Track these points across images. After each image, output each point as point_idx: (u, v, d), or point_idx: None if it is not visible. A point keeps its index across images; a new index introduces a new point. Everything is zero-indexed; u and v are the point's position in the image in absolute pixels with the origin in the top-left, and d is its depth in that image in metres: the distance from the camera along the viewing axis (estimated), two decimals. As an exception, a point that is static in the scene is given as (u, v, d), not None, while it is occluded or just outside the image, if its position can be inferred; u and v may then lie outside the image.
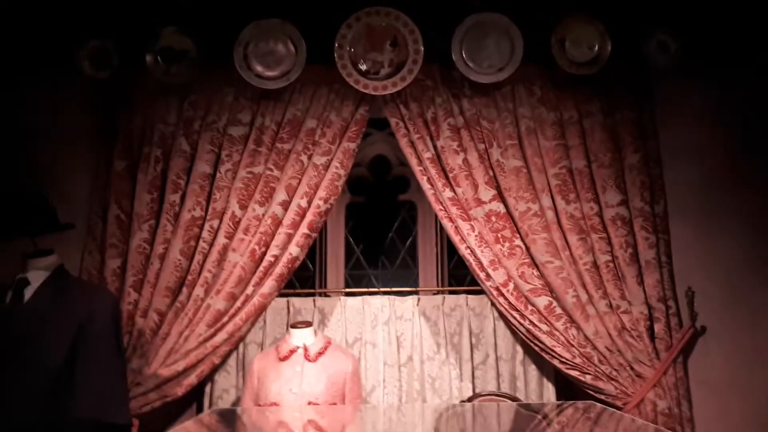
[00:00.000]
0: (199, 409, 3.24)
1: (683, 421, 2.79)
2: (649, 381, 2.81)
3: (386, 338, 3.29)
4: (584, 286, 2.94)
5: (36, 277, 2.20)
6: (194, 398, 3.17)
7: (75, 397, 2.04)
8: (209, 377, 3.04)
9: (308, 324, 2.79)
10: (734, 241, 3.00)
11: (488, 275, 2.97)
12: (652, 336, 2.89)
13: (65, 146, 3.15)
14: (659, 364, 2.83)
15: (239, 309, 2.91)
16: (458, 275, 3.54)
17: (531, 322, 2.92)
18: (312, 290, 3.47)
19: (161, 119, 3.08)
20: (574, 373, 2.88)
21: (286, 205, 3.01)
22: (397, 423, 2.90)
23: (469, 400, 3.06)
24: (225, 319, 2.90)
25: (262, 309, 2.98)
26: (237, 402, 3.16)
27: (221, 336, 2.88)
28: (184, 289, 2.93)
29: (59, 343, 2.08)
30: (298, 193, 3.02)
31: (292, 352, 2.71)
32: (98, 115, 3.14)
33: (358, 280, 3.64)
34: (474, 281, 3.13)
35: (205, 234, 2.98)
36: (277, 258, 2.97)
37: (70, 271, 2.36)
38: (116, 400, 2.11)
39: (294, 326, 2.78)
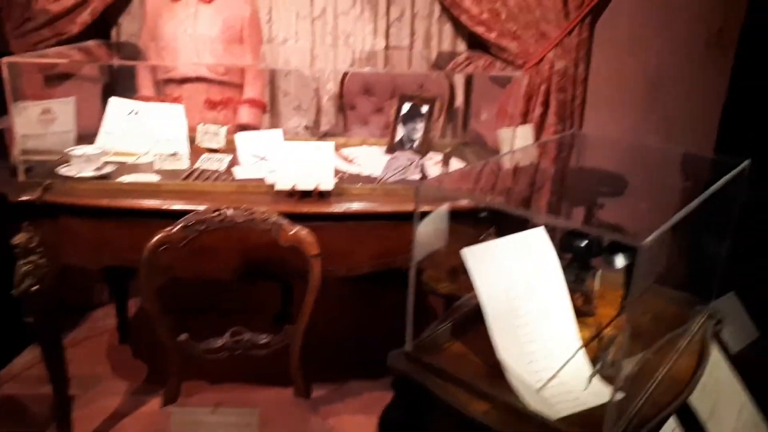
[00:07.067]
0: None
1: (577, 81, 2.89)
2: (552, 40, 2.81)
3: (298, -13, 3.13)
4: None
5: None
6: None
7: None
8: (113, 20, 2.94)
9: (200, -39, 2.58)
10: None
11: None
12: (565, -5, 2.79)
13: None
14: (566, 24, 2.80)
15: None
16: None
17: (445, -28, 2.77)
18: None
19: None
20: (479, 29, 2.85)
21: None
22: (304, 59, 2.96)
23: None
24: (112, -49, 2.68)
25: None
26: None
27: (110, -30, 2.69)
28: None
29: None
30: None
31: (183, -9, 2.57)
32: None
33: None
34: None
35: None
36: None
37: None
38: None
39: (184, -38, 2.58)
